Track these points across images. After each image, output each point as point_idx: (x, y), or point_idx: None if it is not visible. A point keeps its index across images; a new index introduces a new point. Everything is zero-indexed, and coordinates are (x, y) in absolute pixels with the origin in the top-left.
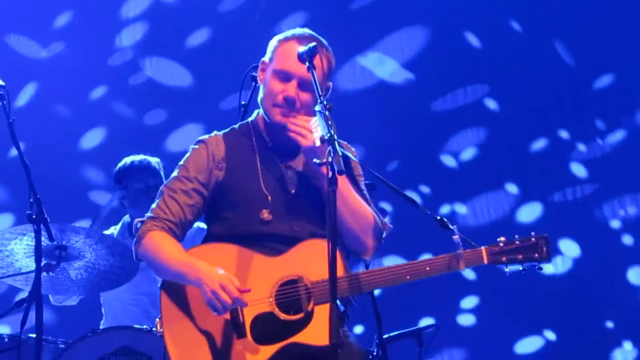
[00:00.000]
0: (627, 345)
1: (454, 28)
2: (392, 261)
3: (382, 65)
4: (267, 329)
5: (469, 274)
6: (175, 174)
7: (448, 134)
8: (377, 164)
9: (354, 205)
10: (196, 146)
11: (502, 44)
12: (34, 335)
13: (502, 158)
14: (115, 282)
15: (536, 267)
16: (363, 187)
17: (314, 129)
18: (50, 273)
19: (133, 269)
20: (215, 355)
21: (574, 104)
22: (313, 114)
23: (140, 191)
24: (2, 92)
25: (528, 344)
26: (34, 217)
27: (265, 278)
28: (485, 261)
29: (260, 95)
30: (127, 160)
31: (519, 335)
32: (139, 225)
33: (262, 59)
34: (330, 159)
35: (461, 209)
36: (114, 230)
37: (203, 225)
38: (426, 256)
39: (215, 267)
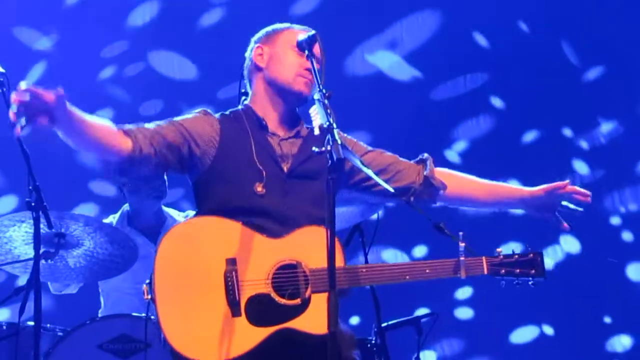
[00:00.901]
0: (625, 339)
1: (462, 26)
2: (388, 253)
3: (385, 56)
4: (261, 311)
5: None
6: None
7: (449, 126)
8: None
9: None
10: (197, 113)
11: (509, 43)
12: (32, 323)
13: (503, 152)
14: (114, 271)
15: (529, 282)
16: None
17: (312, 118)
18: (49, 261)
19: (132, 258)
20: (209, 332)
21: (576, 100)
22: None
23: (141, 179)
24: (2, 80)
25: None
26: (33, 204)
27: (263, 259)
28: (485, 271)
29: (272, 72)
30: None
31: (515, 326)
32: None
33: (258, 44)
34: (329, 147)
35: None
36: (112, 219)
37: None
38: (421, 248)
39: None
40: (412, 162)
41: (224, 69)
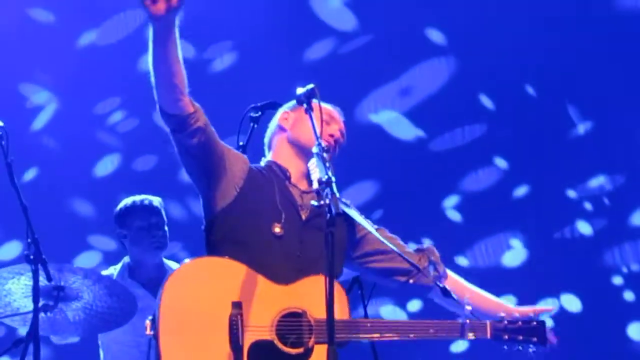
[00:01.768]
0: None
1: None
2: (387, 309)
3: (388, 114)
4: (264, 357)
5: None
6: None
7: (450, 178)
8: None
9: None
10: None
11: (516, 106)
12: None
13: (506, 209)
14: (113, 324)
15: (530, 349)
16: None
17: (312, 171)
18: (48, 314)
19: (131, 311)
20: None
21: (580, 159)
22: None
23: (143, 229)
24: (1, 133)
25: None
26: (31, 257)
27: (268, 305)
28: (488, 335)
29: (295, 133)
30: (128, 200)
31: None
32: None
33: (285, 110)
34: (327, 201)
35: (463, 261)
36: (113, 270)
37: None
38: (415, 302)
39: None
40: (412, 250)
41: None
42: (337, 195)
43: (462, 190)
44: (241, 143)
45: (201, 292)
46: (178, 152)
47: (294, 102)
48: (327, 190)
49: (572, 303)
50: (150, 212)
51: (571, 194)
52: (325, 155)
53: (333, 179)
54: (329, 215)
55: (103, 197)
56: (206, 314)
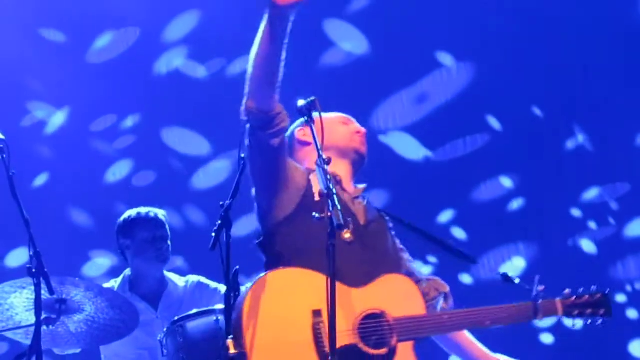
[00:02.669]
0: None
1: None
2: None
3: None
4: None
5: None
6: None
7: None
8: None
9: None
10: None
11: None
12: None
13: (508, 225)
14: (116, 336)
15: (598, 322)
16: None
17: (312, 183)
18: (51, 327)
19: (133, 323)
20: None
21: (584, 176)
22: None
23: (147, 242)
24: (2, 146)
25: None
26: (33, 270)
27: (347, 309)
28: (560, 313)
29: (328, 141)
30: (133, 212)
31: None
32: None
33: (298, 127)
34: (329, 214)
35: (466, 278)
36: (114, 283)
37: (203, 280)
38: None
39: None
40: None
41: None
42: (339, 207)
43: (465, 206)
44: (242, 155)
45: (280, 305)
46: (253, 153)
47: (302, 119)
48: (329, 202)
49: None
50: (156, 225)
51: (575, 212)
52: (325, 167)
53: (334, 191)
54: (330, 227)
55: (107, 210)
56: (289, 326)
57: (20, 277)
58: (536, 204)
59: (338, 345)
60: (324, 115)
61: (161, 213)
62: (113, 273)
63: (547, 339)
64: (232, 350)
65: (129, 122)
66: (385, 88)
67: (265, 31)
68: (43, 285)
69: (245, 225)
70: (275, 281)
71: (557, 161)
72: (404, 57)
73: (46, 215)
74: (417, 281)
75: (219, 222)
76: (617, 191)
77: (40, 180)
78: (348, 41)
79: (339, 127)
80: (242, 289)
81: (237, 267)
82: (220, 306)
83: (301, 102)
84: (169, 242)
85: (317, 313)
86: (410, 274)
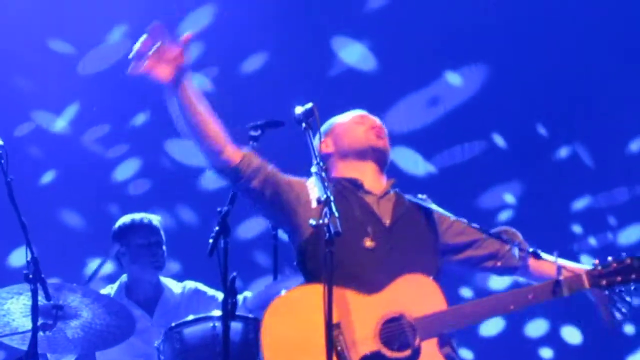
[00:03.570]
0: None
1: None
2: None
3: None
4: None
5: None
6: None
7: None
8: None
9: None
10: (299, 178)
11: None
12: None
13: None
14: (112, 341)
15: (632, 288)
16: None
17: (310, 190)
18: (47, 332)
19: (129, 329)
20: None
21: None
22: None
23: (142, 247)
24: (0, 152)
25: None
26: (30, 276)
27: (366, 317)
28: (587, 285)
29: (343, 145)
30: (127, 218)
31: None
32: None
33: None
34: (326, 221)
35: (466, 292)
36: (110, 289)
37: (201, 287)
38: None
39: None
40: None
41: None
42: (336, 214)
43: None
44: None
45: (299, 324)
46: (245, 198)
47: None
48: (326, 209)
49: (572, 335)
50: (151, 231)
51: (576, 229)
52: (323, 174)
53: (332, 197)
54: (327, 235)
55: (105, 215)
56: (310, 344)
57: (20, 277)
58: (535, 218)
59: (361, 354)
60: (339, 119)
61: (156, 219)
62: (110, 278)
63: (546, 353)
64: None
65: (131, 125)
66: (388, 98)
67: (170, 101)
68: (40, 292)
69: (244, 232)
70: (290, 301)
71: (551, 171)
72: (411, 76)
73: (45, 219)
74: (481, 240)
75: (217, 228)
76: (620, 207)
77: (38, 183)
78: (353, 55)
79: (354, 129)
80: (240, 297)
81: (235, 273)
82: (218, 312)
83: (299, 110)
84: (164, 248)
85: (335, 326)
86: (470, 243)
